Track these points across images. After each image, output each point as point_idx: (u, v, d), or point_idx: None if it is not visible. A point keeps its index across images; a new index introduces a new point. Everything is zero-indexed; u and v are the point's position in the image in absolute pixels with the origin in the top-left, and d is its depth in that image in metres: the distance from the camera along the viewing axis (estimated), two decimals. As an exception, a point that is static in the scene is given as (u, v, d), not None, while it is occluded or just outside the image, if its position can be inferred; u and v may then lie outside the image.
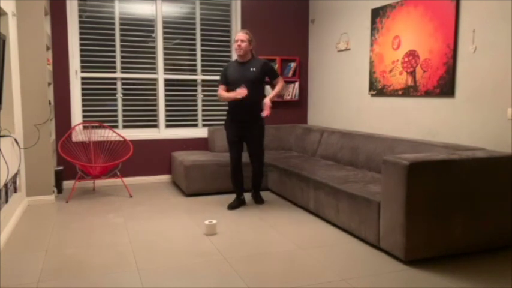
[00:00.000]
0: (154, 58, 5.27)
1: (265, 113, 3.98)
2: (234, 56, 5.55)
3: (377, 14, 4.44)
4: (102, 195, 4.67)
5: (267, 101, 4.00)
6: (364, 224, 3.14)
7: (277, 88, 4.14)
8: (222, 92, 4.10)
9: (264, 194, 4.69)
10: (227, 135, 4.19)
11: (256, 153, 4.18)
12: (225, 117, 4.27)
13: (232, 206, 4.14)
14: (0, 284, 2.50)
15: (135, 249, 3.06)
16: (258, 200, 4.35)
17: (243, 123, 4.08)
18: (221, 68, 5.48)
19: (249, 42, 3.98)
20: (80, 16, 4.94)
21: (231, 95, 3.98)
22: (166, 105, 5.36)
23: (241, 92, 3.90)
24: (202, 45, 5.44)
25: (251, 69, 4.01)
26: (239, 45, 3.96)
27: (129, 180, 5.19)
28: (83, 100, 5.04)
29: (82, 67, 5.00)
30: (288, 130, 5.63)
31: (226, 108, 4.20)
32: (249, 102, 3.96)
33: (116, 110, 5.18)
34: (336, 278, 2.59)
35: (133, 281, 2.55)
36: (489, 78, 3.32)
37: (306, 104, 5.94)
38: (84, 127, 5.02)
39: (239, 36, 3.98)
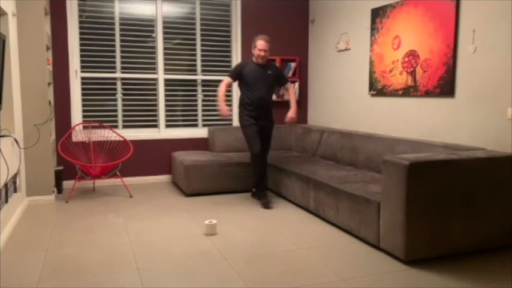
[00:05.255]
0: (154, 58, 5.27)
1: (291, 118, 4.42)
2: (234, 56, 5.57)
3: (377, 14, 4.44)
4: (102, 195, 4.67)
5: (292, 116, 4.39)
6: (364, 224, 3.14)
7: (294, 99, 4.48)
8: (224, 88, 4.34)
9: (264, 194, 4.70)
10: (248, 129, 4.29)
11: (267, 150, 4.45)
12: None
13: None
14: (0, 284, 2.50)
15: (135, 249, 3.06)
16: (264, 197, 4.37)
17: (261, 121, 4.31)
18: (220, 68, 5.52)
19: (269, 50, 4.29)
20: (80, 16, 4.94)
21: (221, 105, 4.30)
22: (166, 105, 5.36)
23: (225, 114, 4.32)
24: (202, 45, 5.44)
25: (268, 71, 4.32)
26: (263, 56, 4.24)
27: (129, 180, 5.19)
28: (83, 100, 5.04)
29: (82, 67, 5.00)
30: (288, 130, 5.63)
31: (243, 107, 4.38)
32: (264, 102, 4.30)
33: (115, 110, 5.18)
34: (336, 278, 2.59)
35: (133, 281, 2.55)
36: (489, 78, 3.32)
37: (306, 104, 5.94)
38: (84, 127, 5.02)
39: (263, 46, 4.22)
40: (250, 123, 4.27)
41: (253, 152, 4.22)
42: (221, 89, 4.32)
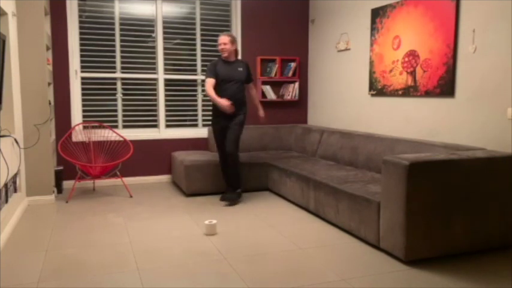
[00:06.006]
0: (154, 58, 5.27)
1: (262, 113, 4.67)
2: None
3: (377, 14, 4.44)
4: (102, 195, 4.67)
5: (263, 114, 4.68)
6: (364, 224, 3.14)
7: (256, 98, 4.68)
8: (212, 89, 4.20)
9: (264, 194, 4.70)
10: (215, 132, 4.41)
11: (231, 144, 4.24)
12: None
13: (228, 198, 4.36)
14: (0, 284, 2.50)
15: (135, 249, 3.06)
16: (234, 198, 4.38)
17: (227, 118, 4.30)
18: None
19: (231, 43, 4.28)
20: (80, 16, 4.94)
21: (220, 101, 4.12)
22: (166, 105, 5.36)
23: (229, 105, 4.13)
24: (202, 45, 5.45)
25: (238, 68, 4.34)
26: (222, 49, 4.27)
27: (129, 180, 5.19)
28: (83, 100, 5.04)
29: (82, 67, 5.00)
30: (288, 130, 5.63)
31: (212, 108, 4.43)
32: (235, 99, 4.24)
33: (115, 110, 5.18)
34: (336, 278, 2.59)
35: (134, 281, 2.55)
36: (489, 78, 3.32)
37: (306, 104, 5.94)
38: (84, 127, 5.02)
39: (221, 40, 4.28)
40: (216, 126, 4.35)
41: (219, 155, 4.45)
42: (210, 91, 4.17)
